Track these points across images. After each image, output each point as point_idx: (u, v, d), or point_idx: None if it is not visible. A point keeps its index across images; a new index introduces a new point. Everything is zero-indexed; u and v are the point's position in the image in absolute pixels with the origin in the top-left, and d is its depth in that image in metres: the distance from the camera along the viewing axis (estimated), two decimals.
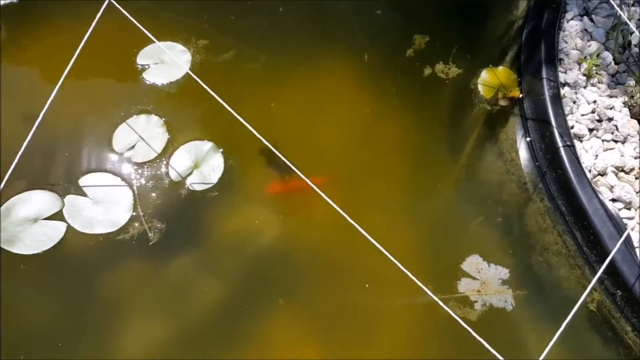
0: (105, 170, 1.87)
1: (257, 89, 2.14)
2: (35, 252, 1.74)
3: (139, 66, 2.08)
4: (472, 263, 1.74)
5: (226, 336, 1.73)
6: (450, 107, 2.17)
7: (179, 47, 2.12)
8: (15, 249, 1.74)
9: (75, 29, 2.10)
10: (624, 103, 2.01)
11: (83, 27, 1.91)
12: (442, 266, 1.83)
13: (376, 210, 1.97)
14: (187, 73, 2.05)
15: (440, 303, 1.46)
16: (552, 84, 2.01)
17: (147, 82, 2.05)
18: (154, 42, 2.01)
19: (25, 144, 1.54)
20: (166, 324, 1.71)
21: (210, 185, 1.90)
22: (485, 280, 1.73)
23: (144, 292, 1.76)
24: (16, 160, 1.73)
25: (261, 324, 1.74)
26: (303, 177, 1.55)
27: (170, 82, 2.05)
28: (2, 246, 1.74)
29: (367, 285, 1.79)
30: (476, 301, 1.71)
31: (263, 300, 1.79)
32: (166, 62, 2.08)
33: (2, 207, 1.79)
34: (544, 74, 2.04)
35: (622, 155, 1.89)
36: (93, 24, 1.57)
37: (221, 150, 1.94)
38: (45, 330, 1.69)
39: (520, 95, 2.12)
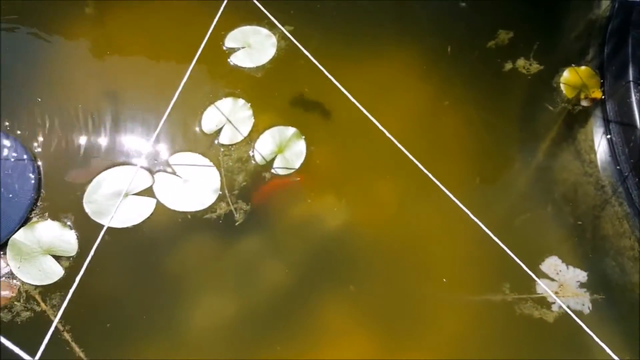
0: (194, 150, 1.93)
1: (337, 74, 2.15)
2: (125, 225, 1.80)
3: (226, 49, 2.11)
4: (551, 264, 1.76)
5: (287, 317, 1.80)
6: (528, 103, 2.15)
7: (265, 31, 2.13)
8: (104, 221, 1.80)
9: (160, 9, 2.17)
10: None
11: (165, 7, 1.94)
12: (519, 266, 1.84)
13: (445, 207, 1.99)
14: (273, 57, 2.09)
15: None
16: (639, 87, 1.96)
17: (234, 65, 2.07)
18: (240, 25, 2.12)
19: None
20: (236, 301, 1.78)
21: (293, 171, 1.95)
22: (564, 282, 1.75)
23: (223, 269, 1.83)
24: (107, 136, 1.82)
25: (322, 309, 1.79)
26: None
27: (257, 67, 2.07)
28: (91, 217, 1.82)
29: (444, 280, 1.83)
30: (554, 302, 1.73)
31: (331, 285, 1.84)
32: (253, 46, 2.10)
33: (93, 181, 1.85)
34: (631, 77, 1.99)
35: None
36: None
37: (303, 136, 1.98)
38: (125, 298, 1.78)
39: (603, 97, 2.08)
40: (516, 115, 2.12)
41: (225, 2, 1.63)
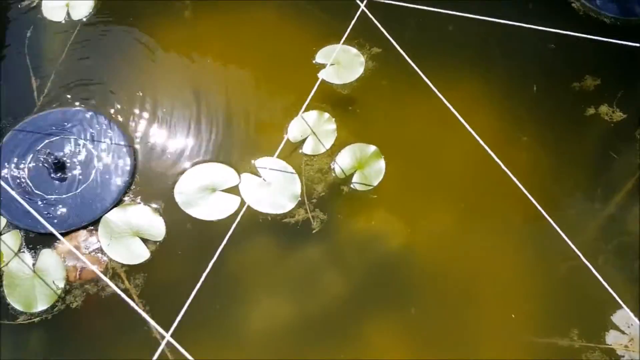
0: (279, 156, 2.01)
1: (417, 100, 2.19)
2: (210, 219, 1.91)
3: (316, 64, 2.20)
4: (623, 317, 1.75)
5: (338, 329, 1.82)
6: (605, 152, 2.15)
7: (354, 50, 2.21)
8: (191, 211, 1.91)
9: (255, 19, 2.27)
10: None
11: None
12: (591, 313, 1.83)
13: (509, 240, 2.00)
14: (360, 76, 2.16)
15: None
16: None
17: (323, 80, 2.14)
18: (332, 43, 2.21)
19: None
20: (292, 307, 1.82)
21: (370, 188, 2.01)
22: (634, 336, 1.74)
23: (286, 272, 1.89)
24: (199, 134, 1.92)
25: (373, 327, 1.81)
26: None
27: (344, 84, 2.16)
28: (180, 206, 1.92)
29: (513, 316, 1.84)
30: (623, 356, 1.72)
31: (385, 305, 1.87)
32: (342, 63, 2.19)
33: (185, 174, 1.96)
34: None
35: None
36: None
37: (383, 156, 2.04)
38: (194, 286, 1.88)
39: None
40: (590, 163, 2.12)
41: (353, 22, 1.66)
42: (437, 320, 1.86)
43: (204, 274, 1.72)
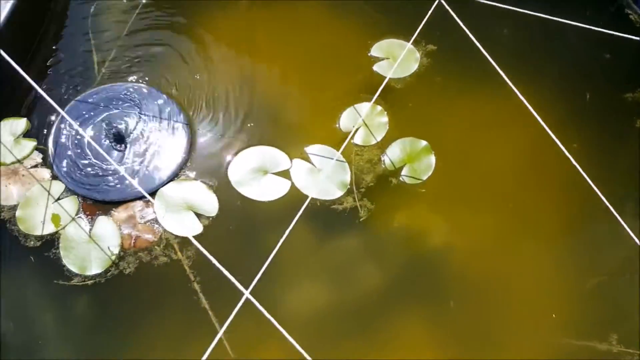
0: (330, 144, 2.05)
1: (471, 99, 2.21)
2: (263, 199, 1.95)
3: (372, 57, 2.24)
4: None
5: (370, 321, 1.84)
6: None
7: (410, 46, 2.23)
8: (242, 191, 1.96)
9: (312, 9, 2.31)
10: None
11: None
12: (631, 319, 1.83)
13: (552, 245, 2.00)
14: (414, 72, 2.19)
15: None
16: None
17: (377, 74, 2.20)
18: (388, 37, 2.25)
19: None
20: (328, 294, 1.85)
21: (419, 182, 2.03)
22: None
23: (326, 259, 1.92)
24: (253, 118, 1.97)
25: (405, 322, 1.83)
26: None
27: (398, 78, 2.19)
28: (233, 185, 1.97)
29: (554, 315, 1.85)
30: None
31: (420, 301, 1.88)
32: (397, 58, 2.21)
33: (239, 155, 2.01)
34: None
35: None
36: None
37: (433, 151, 2.07)
38: (243, 262, 1.86)
39: None
40: (637, 177, 2.12)
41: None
42: (472, 319, 1.87)
43: (252, 252, 1.78)
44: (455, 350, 1.83)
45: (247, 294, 1.41)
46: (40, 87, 2.01)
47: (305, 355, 1.33)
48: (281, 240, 1.49)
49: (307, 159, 2.05)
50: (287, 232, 1.56)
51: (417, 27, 2.13)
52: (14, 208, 1.85)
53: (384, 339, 1.83)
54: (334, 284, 1.90)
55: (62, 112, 1.59)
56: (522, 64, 2.25)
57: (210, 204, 1.92)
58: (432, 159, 2.05)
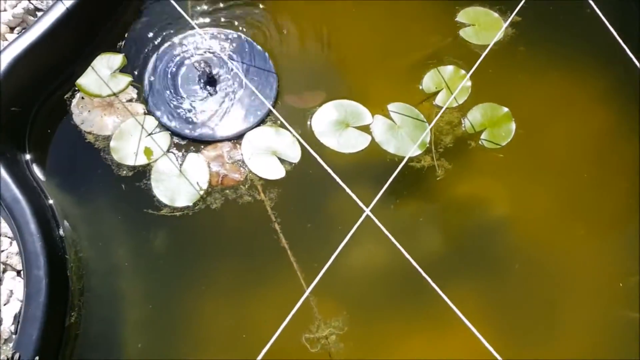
0: (411, 103, 2.05)
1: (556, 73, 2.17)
2: (344, 151, 1.98)
3: (457, 23, 2.23)
4: None
5: (422, 287, 1.83)
6: None
7: (495, 15, 2.24)
8: (325, 141, 1.98)
9: None
10: None
11: None
12: None
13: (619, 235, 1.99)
14: (499, 40, 2.18)
15: None
16: None
17: (462, 39, 2.19)
18: (473, 5, 2.24)
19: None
20: (389, 254, 1.82)
21: (498, 147, 2.04)
22: None
23: (394, 216, 1.93)
24: (336, 74, 1.98)
25: (461, 290, 1.81)
26: None
27: (482, 45, 2.18)
28: (316, 137, 1.99)
29: (620, 284, 1.83)
30: None
31: (476, 270, 1.88)
32: (482, 25, 2.21)
33: (323, 106, 2.02)
34: None
35: None
36: None
37: (514, 119, 2.06)
38: (320, 211, 1.93)
39: None
40: None
41: None
42: (532, 291, 1.86)
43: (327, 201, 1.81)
44: (507, 329, 1.82)
45: (367, 212, 1.43)
46: (136, 25, 2.12)
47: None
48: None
49: (388, 116, 2.06)
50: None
51: None
52: (107, 138, 1.91)
53: (435, 306, 1.74)
54: (396, 244, 1.94)
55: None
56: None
57: (293, 151, 1.96)
58: (512, 126, 2.05)
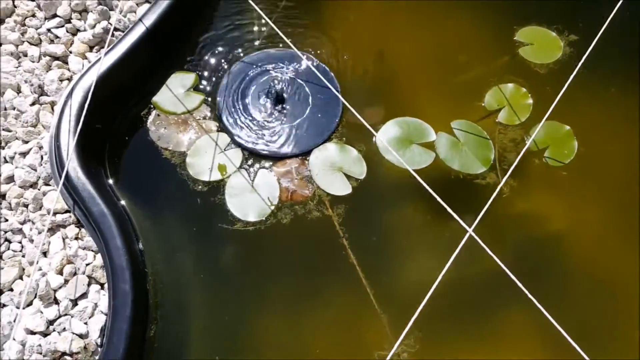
0: (474, 121, 2.05)
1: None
2: (406, 167, 1.96)
3: (516, 42, 2.22)
4: None
5: (474, 305, 1.81)
6: None
7: (552, 34, 2.22)
8: (389, 157, 1.97)
9: None
10: None
11: None
12: None
13: None
14: (557, 59, 2.17)
15: None
16: None
17: (521, 58, 2.18)
18: (531, 24, 2.23)
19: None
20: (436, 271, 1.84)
21: (561, 165, 2.02)
22: None
23: (451, 234, 1.88)
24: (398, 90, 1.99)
25: (513, 310, 1.78)
26: None
27: (542, 64, 2.17)
28: (380, 151, 1.99)
29: None
30: None
31: (531, 287, 1.80)
32: (540, 44, 2.20)
33: (387, 123, 2.02)
34: None
35: None
36: None
37: (575, 137, 2.04)
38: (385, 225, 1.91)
39: None
40: None
41: None
42: (581, 314, 1.81)
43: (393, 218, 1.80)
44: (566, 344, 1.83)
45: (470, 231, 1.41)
46: (208, 45, 2.14)
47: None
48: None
49: (452, 133, 2.06)
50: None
51: (565, 16, 2.18)
52: (183, 154, 1.94)
53: (494, 326, 1.78)
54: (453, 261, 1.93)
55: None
56: None
57: (359, 167, 1.97)
58: (575, 144, 2.03)
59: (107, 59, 1.87)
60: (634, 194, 2.02)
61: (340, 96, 2.10)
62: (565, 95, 2.16)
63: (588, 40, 2.22)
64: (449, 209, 1.40)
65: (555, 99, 2.08)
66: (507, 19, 2.29)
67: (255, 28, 2.25)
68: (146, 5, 2.07)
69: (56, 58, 1.97)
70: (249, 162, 1.96)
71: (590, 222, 1.98)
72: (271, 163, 1.96)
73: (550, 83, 2.15)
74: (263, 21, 2.27)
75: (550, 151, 2.02)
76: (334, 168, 1.96)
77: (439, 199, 1.41)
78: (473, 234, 1.37)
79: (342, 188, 1.92)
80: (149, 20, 1.95)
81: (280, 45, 2.21)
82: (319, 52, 2.22)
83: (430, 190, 1.45)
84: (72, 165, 1.70)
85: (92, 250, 1.75)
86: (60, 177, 1.71)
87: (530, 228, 1.95)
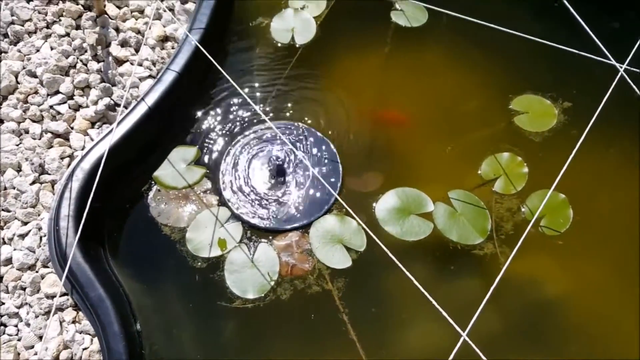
0: (471, 191, 2.03)
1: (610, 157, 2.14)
2: (407, 239, 1.92)
3: (511, 111, 2.21)
4: None
5: None
6: None
7: (547, 102, 2.22)
8: (388, 229, 1.94)
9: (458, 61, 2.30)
10: None
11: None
12: None
13: None
14: (552, 127, 2.16)
15: None
16: None
17: (517, 126, 2.16)
18: (526, 93, 2.22)
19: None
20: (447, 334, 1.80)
21: (557, 234, 1.98)
22: None
23: (460, 300, 1.82)
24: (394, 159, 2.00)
25: None
26: None
27: (537, 132, 2.15)
28: (379, 223, 1.96)
29: None
30: None
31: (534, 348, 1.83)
32: (535, 112, 2.18)
33: (386, 194, 1.99)
34: None
35: None
36: None
37: (571, 205, 2.02)
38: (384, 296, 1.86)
39: None
40: None
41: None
42: None
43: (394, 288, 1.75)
44: None
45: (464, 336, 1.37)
46: (209, 119, 2.12)
47: None
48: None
49: (449, 203, 2.03)
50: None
51: (557, 84, 2.18)
52: (183, 230, 1.90)
53: None
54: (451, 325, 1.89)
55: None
56: None
57: (359, 239, 1.93)
58: (570, 212, 2.00)
59: (108, 140, 1.81)
60: (633, 257, 1.97)
61: (339, 166, 2.05)
62: (560, 162, 2.17)
63: (582, 107, 2.23)
64: (443, 312, 1.35)
65: (550, 167, 2.10)
66: (502, 88, 2.27)
67: (257, 101, 2.23)
68: (149, 81, 2.08)
69: (58, 135, 1.94)
70: (250, 236, 1.91)
71: (587, 286, 1.93)
72: (271, 237, 1.91)
73: (544, 151, 2.13)
74: (265, 96, 2.22)
75: (546, 220, 1.98)
76: (334, 240, 1.91)
77: (433, 302, 1.37)
78: (467, 339, 1.31)
79: (342, 261, 1.88)
80: (152, 99, 1.93)
81: (281, 117, 2.19)
82: (316, 121, 2.18)
83: (423, 290, 1.40)
84: (71, 251, 1.65)
85: (89, 334, 1.69)
86: (59, 262, 1.66)
87: (527, 294, 1.89)
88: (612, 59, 1.61)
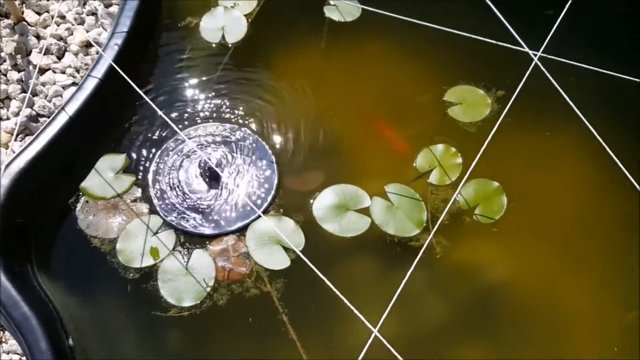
0: (406, 184, 2.03)
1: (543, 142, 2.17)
2: (345, 235, 1.91)
3: (445, 102, 2.21)
4: None
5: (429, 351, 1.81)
6: None
7: (480, 92, 2.21)
8: (327, 226, 1.92)
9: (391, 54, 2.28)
10: None
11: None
12: None
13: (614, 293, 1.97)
14: (486, 117, 2.17)
15: None
16: None
17: (451, 118, 2.17)
18: (460, 84, 2.22)
19: None
20: (392, 324, 1.70)
21: (492, 221, 2.00)
22: None
23: (404, 291, 1.85)
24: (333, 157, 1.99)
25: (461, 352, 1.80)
26: None
27: (471, 122, 2.15)
28: (317, 222, 1.94)
29: (615, 349, 1.80)
30: None
31: (478, 334, 1.84)
32: (469, 103, 2.20)
33: (323, 192, 1.96)
34: None
35: None
36: None
37: (505, 192, 2.03)
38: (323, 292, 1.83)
39: None
40: None
41: None
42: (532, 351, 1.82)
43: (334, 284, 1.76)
44: None
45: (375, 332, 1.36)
46: (137, 125, 2.06)
47: None
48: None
49: (386, 197, 2.02)
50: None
51: (491, 75, 2.18)
52: (113, 241, 1.84)
53: None
54: (401, 315, 1.88)
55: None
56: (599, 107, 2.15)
57: (297, 239, 1.90)
58: (504, 199, 2.01)
59: (28, 153, 1.74)
60: (564, 239, 2.00)
61: (275, 166, 2.02)
62: (494, 151, 2.19)
63: (514, 94, 2.29)
64: (355, 310, 1.38)
65: (484, 156, 2.12)
66: (435, 80, 2.25)
67: (189, 107, 2.17)
68: (72, 89, 2.00)
69: None
70: (183, 243, 1.86)
71: (525, 271, 1.94)
72: (206, 242, 1.87)
73: (479, 141, 2.10)
74: (196, 98, 2.18)
75: (480, 208, 1.99)
76: (271, 242, 1.89)
77: (344, 300, 1.39)
78: (378, 335, 1.32)
79: (280, 262, 1.85)
80: (73, 107, 1.84)
81: (213, 118, 2.14)
82: (250, 121, 2.14)
83: (335, 290, 1.40)
84: None
85: (17, 354, 1.64)
86: None
87: (467, 281, 1.90)
88: (525, 46, 1.62)
